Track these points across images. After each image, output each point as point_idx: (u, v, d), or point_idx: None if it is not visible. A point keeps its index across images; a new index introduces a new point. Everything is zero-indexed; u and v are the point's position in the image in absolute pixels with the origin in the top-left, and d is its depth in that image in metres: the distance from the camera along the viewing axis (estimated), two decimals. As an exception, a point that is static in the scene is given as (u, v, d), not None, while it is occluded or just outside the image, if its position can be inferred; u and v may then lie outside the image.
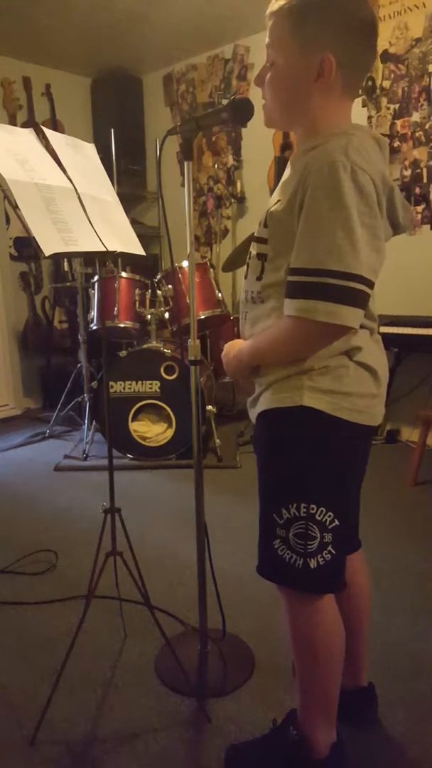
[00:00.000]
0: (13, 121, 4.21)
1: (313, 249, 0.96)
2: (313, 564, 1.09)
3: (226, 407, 4.13)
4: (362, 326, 1.08)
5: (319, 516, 1.08)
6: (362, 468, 1.23)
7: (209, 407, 3.24)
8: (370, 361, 1.10)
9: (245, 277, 1.18)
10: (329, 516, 1.09)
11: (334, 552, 1.11)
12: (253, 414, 1.19)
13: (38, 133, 1.49)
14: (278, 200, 1.06)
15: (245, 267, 1.18)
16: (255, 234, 1.13)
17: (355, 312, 0.97)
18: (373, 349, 1.13)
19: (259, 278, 1.11)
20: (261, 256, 1.10)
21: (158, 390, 3.18)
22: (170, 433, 3.22)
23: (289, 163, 1.13)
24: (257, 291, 1.12)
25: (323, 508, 1.09)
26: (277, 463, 1.13)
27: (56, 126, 4.39)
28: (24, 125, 4.24)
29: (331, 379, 1.06)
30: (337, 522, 1.10)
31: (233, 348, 1.20)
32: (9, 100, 4.17)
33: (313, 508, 1.08)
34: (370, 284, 0.99)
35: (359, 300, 0.97)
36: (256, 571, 1.17)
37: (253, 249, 1.13)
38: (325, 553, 1.10)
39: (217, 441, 3.27)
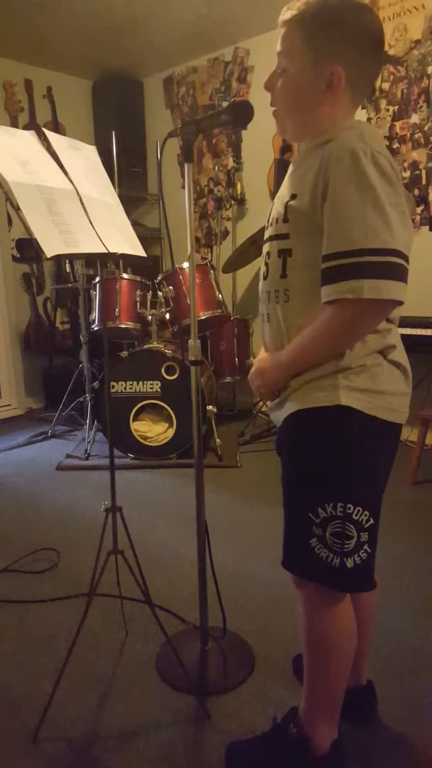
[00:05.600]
0: (14, 123, 4.23)
1: (346, 232, 0.97)
2: (350, 563, 1.09)
3: (226, 407, 4.14)
4: (392, 321, 1.09)
5: (356, 515, 1.08)
6: (390, 467, 1.20)
7: (210, 407, 3.26)
8: (401, 359, 1.12)
9: (264, 278, 1.17)
10: (365, 515, 1.09)
11: (369, 551, 1.11)
12: (279, 416, 1.17)
13: (40, 136, 1.50)
14: (294, 194, 1.06)
15: (263, 268, 1.17)
16: (272, 232, 1.13)
17: (398, 285, 0.98)
18: (401, 346, 1.13)
19: (283, 276, 1.10)
20: (282, 253, 1.09)
21: (159, 390, 3.19)
22: (171, 432, 3.23)
23: (295, 160, 1.13)
24: (283, 289, 1.11)
25: (360, 508, 1.08)
26: (313, 462, 1.10)
27: (58, 128, 4.40)
28: (25, 127, 4.24)
29: (366, 378, 1.06)
30: (372, 521, 1.10)
31: (266, 362, 1.17)
32: (11, 103, 4.19)
33: (350, 508, 1.07)
34: (407, 259, 0.99)
35: (400, 273, 0.98)
36: (282, 566, 1.16)
37: (271, 248, 1.13)
38: (362, 552, 1.10)
39: (218, 440, 3.28)
